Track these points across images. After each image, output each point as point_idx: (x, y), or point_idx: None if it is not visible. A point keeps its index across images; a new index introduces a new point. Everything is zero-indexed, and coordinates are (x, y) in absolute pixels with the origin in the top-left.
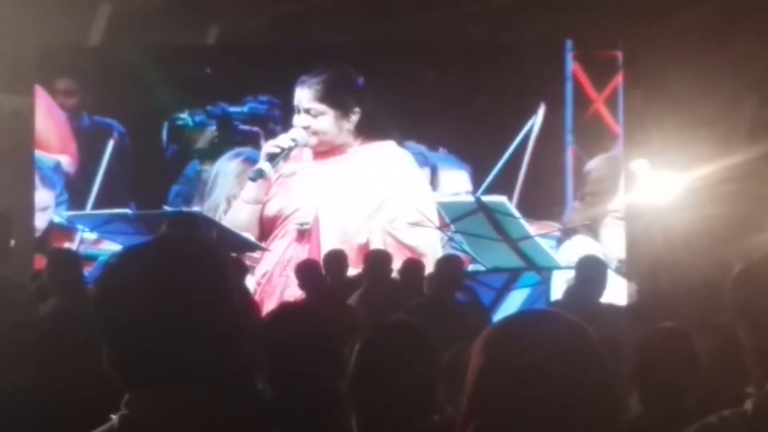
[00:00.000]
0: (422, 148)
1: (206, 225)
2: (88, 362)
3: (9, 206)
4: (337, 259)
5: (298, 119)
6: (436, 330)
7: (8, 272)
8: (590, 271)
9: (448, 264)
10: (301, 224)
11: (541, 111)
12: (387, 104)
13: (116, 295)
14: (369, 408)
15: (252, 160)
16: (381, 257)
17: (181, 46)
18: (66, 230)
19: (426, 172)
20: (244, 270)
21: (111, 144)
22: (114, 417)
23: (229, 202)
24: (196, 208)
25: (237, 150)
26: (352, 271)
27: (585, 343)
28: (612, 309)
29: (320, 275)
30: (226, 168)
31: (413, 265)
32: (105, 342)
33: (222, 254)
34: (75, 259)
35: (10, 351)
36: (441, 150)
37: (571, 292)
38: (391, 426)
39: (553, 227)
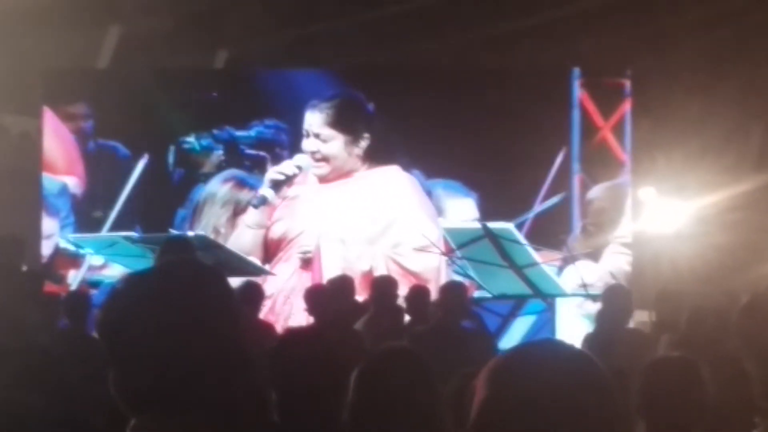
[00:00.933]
0: (418, 173)
1: (211, 249)
2: (94, 386)
3: (16, 228)
4: (341, 285)
5: (307, 143)
6: (442, 357)
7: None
8: (616, 299)
9: (452, 291)
10: (304, 252)
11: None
12: (393, 130)
13: (122, 321)
14: None
15: (243, 183)
16: (387, 283)
17: (189, 70)
18: (72, 256)
19: None
20: (261, 295)
21: (141, 165)
22: None
23: (217, 232)
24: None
25: (229, 173)
26: (356, 298)
27: (591, 375)
28: (638, 335)
29: (328, 301)
30: (215, 194)
31: (419, 292)
32: (110, 367)
33: (227, 279)
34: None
35: (19, 374)
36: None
37: (597, 320)
38: None
39: (556, 257)
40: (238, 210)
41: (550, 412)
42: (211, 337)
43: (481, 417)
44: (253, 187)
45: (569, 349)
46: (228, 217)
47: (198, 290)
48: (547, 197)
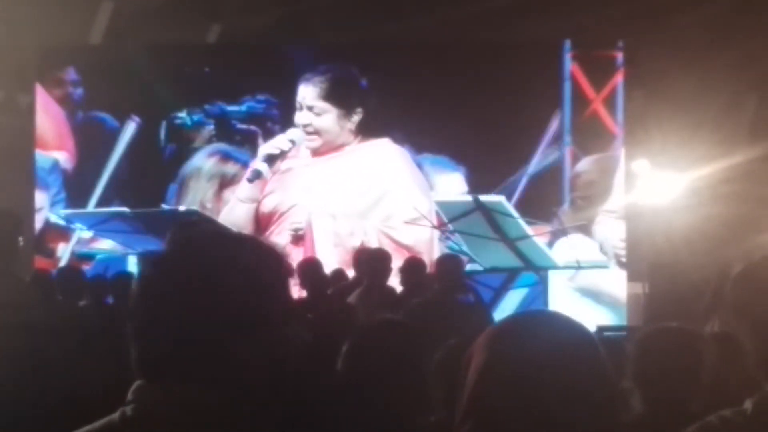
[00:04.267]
0: (408, 148)
1: (204, 223)
2: (89, 363)
3: (10, 205)
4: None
5: (300, 116)
6: (438, 329)
7: (16, 271)
8: None
9: (448, 263)
10: (295, 229)
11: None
12: (386, 104)
13: (153, 293)
14: (359, 407)
15: (228, 157)
16: (380, 256)
17: (181, 45)
18: (62, 230)
19: None
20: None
21: (132, 128)
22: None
23: (203, 206)
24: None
25: (213, 147)
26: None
27: (585, 344)
28: None
29: (320, 274)
30: (200, 168)
31: (415, 264)
32: (135, 339)
33: (265, 255)
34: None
35: (13, 352)
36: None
37: None
38: (383, 426)
39: (547, 230)
40: (224, 183)
41: (544, 380)
42: (241, 312)
43: (477, 382)
44: (237, 161)
45: (565, 319)
46: (214, 191)
47: (233, 265)
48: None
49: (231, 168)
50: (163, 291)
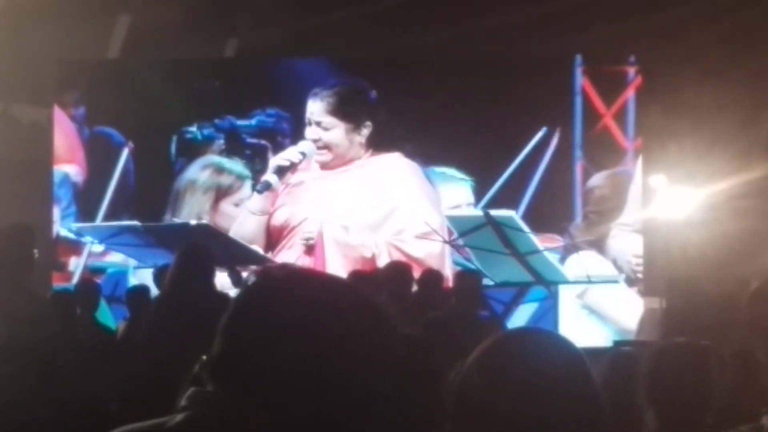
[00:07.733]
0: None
1: (213, 237)
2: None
3: (28, 218)
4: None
5: (309, 131)
6: (455, 345)
7: (30, 285)
8: None
9: (467, 280)
10: (306, 239)
11: (542, 132)
12: (398, 118)
13: (256, 313)
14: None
15: (221, 168)
16: (402, 268)
17: (194, 61)
18: (72, 244)
19: None
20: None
21: (125, 154)
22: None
23: (200, 218)
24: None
25: (206, 159)
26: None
27: (573, 360)
28: None
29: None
30: (195, 181)
31: (433, 277)
32: (223, 347)
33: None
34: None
35: (26, 363)
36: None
37: None
38: None
39: (555, 240)
40: (219, 195)
41: (533, 395)
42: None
43: (468, 396)
44: (231, 172)
45: (555, 336)
46: (210, 204)
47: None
48: (543, 181)
49: (225, 179)
50: (268, 314)
